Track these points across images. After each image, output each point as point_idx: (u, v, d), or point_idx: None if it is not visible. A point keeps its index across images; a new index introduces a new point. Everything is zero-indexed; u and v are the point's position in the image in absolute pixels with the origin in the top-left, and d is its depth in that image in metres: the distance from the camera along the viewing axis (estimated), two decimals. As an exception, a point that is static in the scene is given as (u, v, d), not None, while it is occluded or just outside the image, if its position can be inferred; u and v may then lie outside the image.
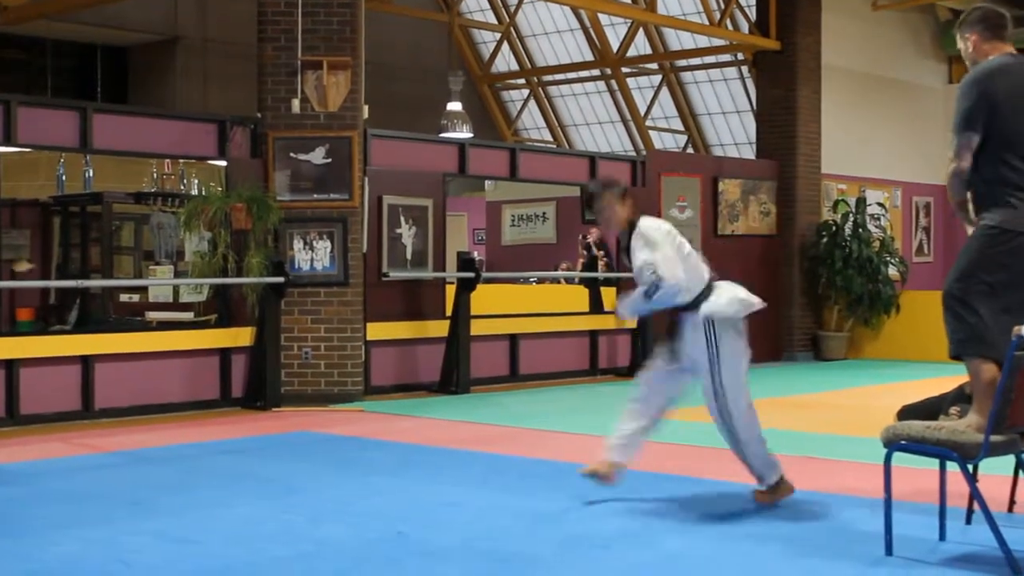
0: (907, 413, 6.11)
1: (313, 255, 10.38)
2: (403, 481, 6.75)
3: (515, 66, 20.79)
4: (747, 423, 5.87)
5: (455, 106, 16.48)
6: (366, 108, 10.67)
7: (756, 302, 5.94)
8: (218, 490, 6.48)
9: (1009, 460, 5.22)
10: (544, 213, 18.39)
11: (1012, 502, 5.56)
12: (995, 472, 5.46)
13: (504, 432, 8.84)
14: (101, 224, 11.27)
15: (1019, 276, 4.93)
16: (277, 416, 9.72)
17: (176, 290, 10.89)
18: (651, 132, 19.96)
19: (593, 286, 14.99)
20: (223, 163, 10.41)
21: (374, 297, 10.87)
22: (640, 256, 5.80)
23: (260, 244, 10.08)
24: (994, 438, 4.62)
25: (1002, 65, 5.05)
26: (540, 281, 16.95)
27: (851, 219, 15.06)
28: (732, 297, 5.88)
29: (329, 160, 10.40)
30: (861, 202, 15.35)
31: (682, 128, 20.18)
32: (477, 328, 11.43)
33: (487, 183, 17.97)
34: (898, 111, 16.79)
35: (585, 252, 15.90)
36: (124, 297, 11.42)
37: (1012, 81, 5.03)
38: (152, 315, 10.69)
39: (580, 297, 15.00)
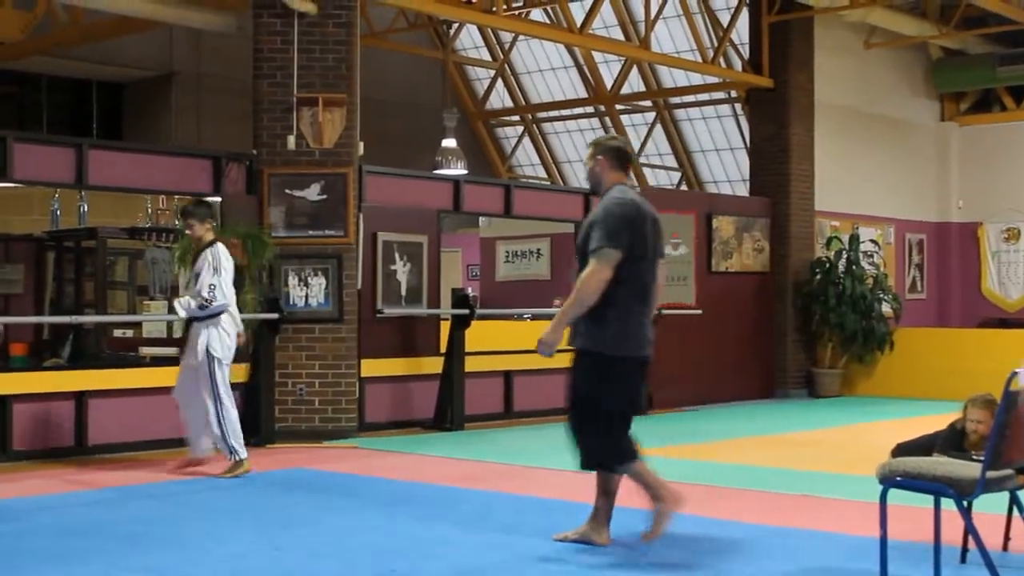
0: (902, 451, 6.13)
1: (308, 291, 10.38)
2: (397, 518, 6.73)
3: (509, 103, 20.86)
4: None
5: (450, 143, 16.52)
6: (361, 145, 10.70)
7: None
8: (211, 526, 6.45)
9: (1002, 499, 5.21)
10: (538, 249, 18.38)
11: (1007, 540, 5.55)
12: (989, 510, 5.45)
13: (498, 469, 8.82)
14: (95, 259, 11.26)
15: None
16: (271, 452, 9.69)
17: (170, 325, 10.87)
18: (645, 169, 20.01)
19: (587, 322, 14.97)
20: (218, 199, 10.41)
21: (368, 333, 10.86)
22: (207, 275, 8.08)
23: (255, 280, 10.09)
24: (990, 474, 4.62)
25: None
26: (535, 317, 16.93)
27: (844, 256, 15.10)
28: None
29: (324, 196, 10.43)
30: (854, 239, 15.38)
31: (676, 165, 20.24)
32: (471, 364, 11.43)
33: (481, 219, 17.99)
34: (891, 148, 16.87)
35: (579, 288, 15.90)
36: (118, 332, 11.41)
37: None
38: (146, 350, 10.67)
39: (574, 333, 14.98)
